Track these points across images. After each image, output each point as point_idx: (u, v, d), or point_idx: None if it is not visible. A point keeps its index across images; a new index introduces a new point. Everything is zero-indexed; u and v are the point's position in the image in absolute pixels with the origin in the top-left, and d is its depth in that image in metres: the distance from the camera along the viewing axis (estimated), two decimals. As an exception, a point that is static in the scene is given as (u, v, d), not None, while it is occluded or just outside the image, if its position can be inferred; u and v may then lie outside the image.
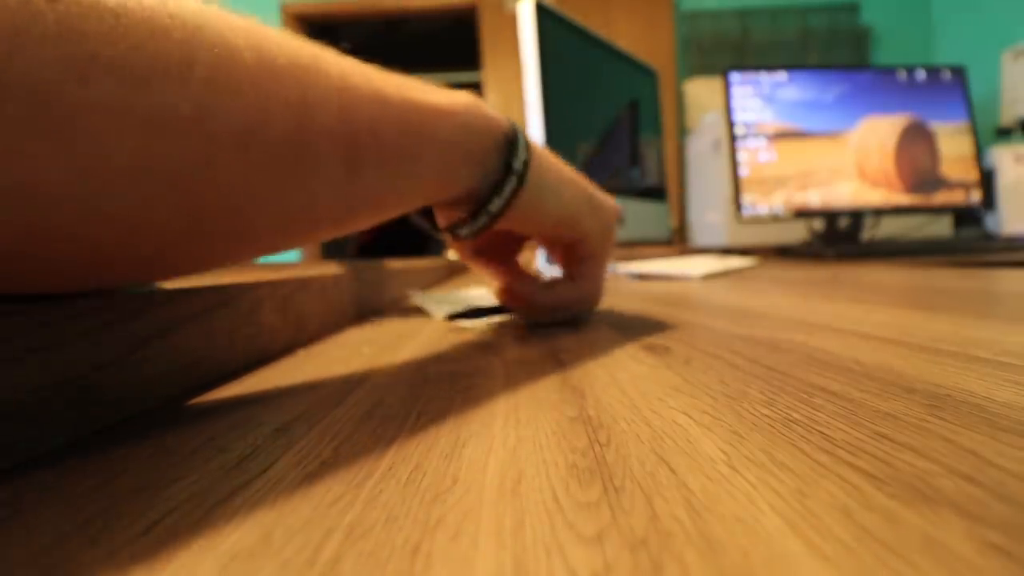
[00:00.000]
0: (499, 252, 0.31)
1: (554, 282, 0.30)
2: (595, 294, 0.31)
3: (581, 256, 0.29)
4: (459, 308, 0.33)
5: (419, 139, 0.19)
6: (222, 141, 0.13)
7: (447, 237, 0.26)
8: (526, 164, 0.23)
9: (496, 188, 0.23)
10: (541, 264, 0.82)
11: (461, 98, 0.21)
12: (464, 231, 0.24)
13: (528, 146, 0.24)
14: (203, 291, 0.19)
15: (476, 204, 0.23)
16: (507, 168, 0.23)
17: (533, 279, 0.31)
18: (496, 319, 0.32)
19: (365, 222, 0.20)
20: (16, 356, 0.12)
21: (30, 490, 0.10)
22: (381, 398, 0.16)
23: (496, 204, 0.23)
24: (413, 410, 0.15)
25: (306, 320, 0.28)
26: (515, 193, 0.23)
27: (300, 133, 0.15)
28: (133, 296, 0.16)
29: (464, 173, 0.22)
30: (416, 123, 0.19)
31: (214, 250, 0.16)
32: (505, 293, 0.29)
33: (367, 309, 0.39)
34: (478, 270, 0.31)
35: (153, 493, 0.10)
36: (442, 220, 0.25)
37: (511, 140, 0.23)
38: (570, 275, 0.30)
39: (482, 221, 0.23)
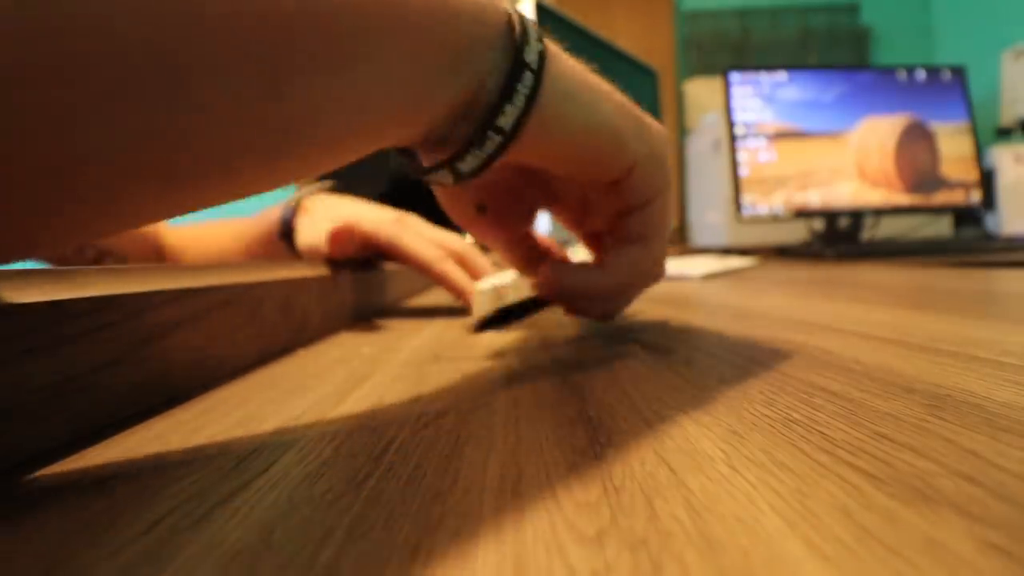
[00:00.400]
0: (509, 212, 0.23)
1: (596, 262, 0.22)
2: (655, 267, 0.22)
3: (630, 204, 0.21)
4: (487, 311, 0.28)
5: (376, 27, 0.13)
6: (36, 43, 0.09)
7: (441, 180, 0.18)
8: (542, 56, 0.16)
9: (506, 92, 0.16)
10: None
11: None
12: (466, 163, 0.17)
13: (541, 37, 0.17)
14: (203, 291, 0.19)
15: (477, 121, 0.16)
16: (517, 63, 0.16)
17: (559, 252, 0.25)
18: (528, 317, 0.28)
19: (306, 165, 0.14)
20: (16, 356, 0.12)
21: (30, 490, 0.10)
22: (381, 398, 0.16)
23: (510, 114, 0.16)
24: (413, 410, 0.15)
25: (306, 320, 0.28)
26: (533, 98, 0.16)
27: (179, 29, 0.10)
28: (133, 296, 0.16)
29: (448, 77, 0.15)
30: (369, 4, 0.13)
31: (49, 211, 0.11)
32: (535, 274, 0.22)
33: (368, 309, 0.39)
34: (482, 237, 0.24)
35: (153, 493, 0.10)
36: (428, 158, 0.18)
37: (516, 27, 0.16)
38: (619, 242, 0.22)
39: (492, 144, 0.16)
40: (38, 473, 0.11)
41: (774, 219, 0.99)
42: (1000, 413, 0.12)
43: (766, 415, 0.13)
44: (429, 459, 0.11)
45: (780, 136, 0.99)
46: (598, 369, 0.19)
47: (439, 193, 0.22)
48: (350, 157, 0.15)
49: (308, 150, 0.14)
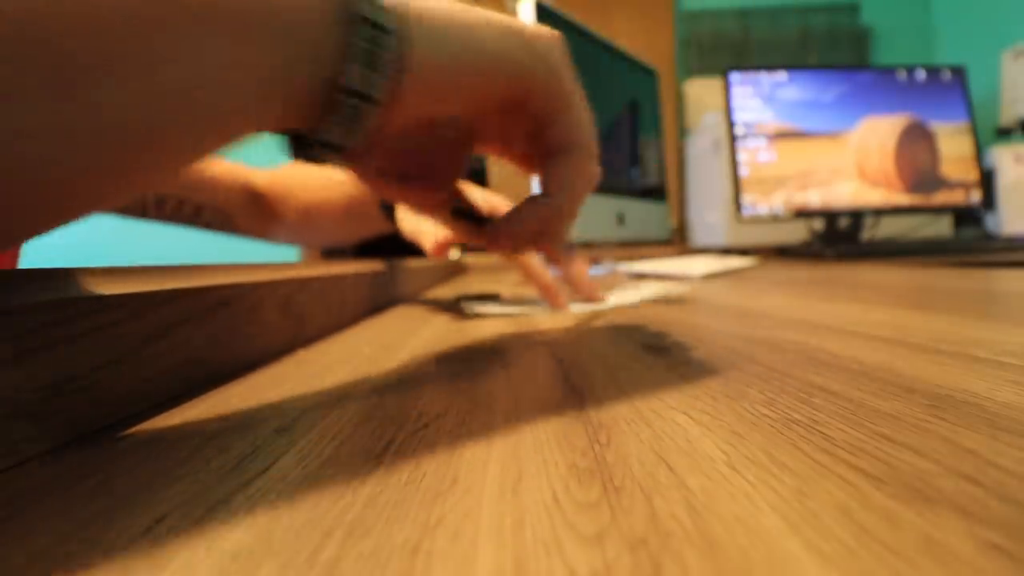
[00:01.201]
0: (432, 172, 0.22)
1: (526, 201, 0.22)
2: (589, 170, 0.21)
3: (542, 120, 0.20)
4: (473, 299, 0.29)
5: (184, 26, 0.12)
6: None
7: (324, 158, 0.17)
8: (401, 17, 0.16)
9: (368, 58, 0.15)
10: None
11: None
12: (341, 134, 0.16)
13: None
14: (203, 291, 0.19)
15: (343, 93, 0.15)
16: (372, 25, 0.15)
17: (499, 206, 0.25)
18: (515, 309, 0.29)
19: (128, 181, 0.14)
20: (16, 356, 0.12)
21: (30, 490, 0.10)
22: (381, 398, 0.16)
23: (377, 82, 0.15)
24: (413, 410, 0.15)
25: (306, 320, 0.28)
26: (401, 58, 0.15)
27: None
28: (133, 296, 0.16)
29: (284, 63, 0.14)
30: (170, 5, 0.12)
31: None
32: (481, 238, 0.22)
33: (368, 309, 0.39)
34: (416, 207, 0.23)
35: (153, 493, 0.10)
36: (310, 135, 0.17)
37: None
38: (548, 159, 0.21)
39: (365, 113, 0.16)
40: (38, 473, 0.11)
41: (774, 219, 0.99)
42: (1000, 413, 0.12)
43: (766, 415, 0.13)
44: (429, 459, 0.11)
45: (780, 136, 0.99)
46: (598, 369, 0.19)
47: (354, 173, 0.21)
48: (202, 150, 0.15)
49: (137, 153, 0.13)
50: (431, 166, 0.22)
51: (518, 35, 0.19)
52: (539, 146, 0.21)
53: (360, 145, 0.17)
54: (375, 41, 0.15)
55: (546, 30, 0.20)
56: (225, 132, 0.15)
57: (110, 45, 0.11)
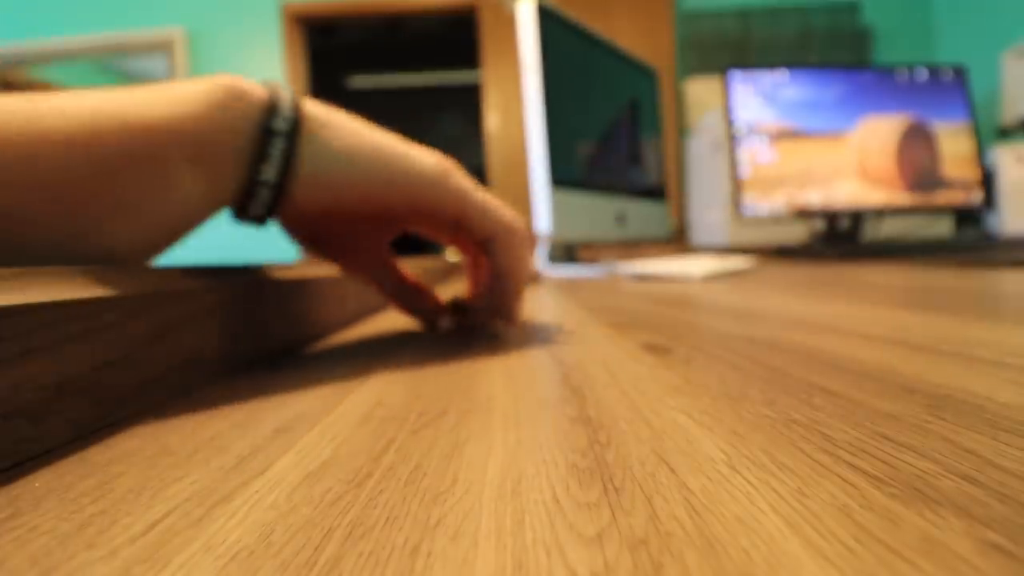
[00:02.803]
0: (359, 246, 0.27)
1: (478, 278, 0.28)
2: (517, 260, 0.26)
3: (456, 222, 0.25)
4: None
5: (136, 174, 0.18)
6: None
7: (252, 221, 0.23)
8: (296, 125, 0.21)
9: (262, 156, 0.21)
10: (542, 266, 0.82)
11: (202, 89, 0.19)
12: (255, 210, 0.22)
13: (298, 107, 0.21)
14: (203, 291, 0.19)
15: (249, 182, 0.21)
16: (267, 133, 0.20)
17: (425, 287, 0.29)
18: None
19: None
20: (16, 356, 0.12)
21: (30, 490, 0.10)
22: (381, 398, 0.16)
23: (269, 172, 0.21)
24: (413, 410, 0.15)
25: (306, 320, 0.28)
26: (288, 158, 0.21)
27: None
28: (133, 296, 0.16)
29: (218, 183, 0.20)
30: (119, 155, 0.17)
31: None
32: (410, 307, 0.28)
33: (368, 309, 0.39)
34: (349, 270, 0.28)
35: (153, 493, 0.10)
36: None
37: (272, 104, 0.21)
38: (486, 259, 0.27)
39: (263, 195, 0.21)
40: (38, 473, 0.11)
41: (774, 219, 0.99)
42: (1001, 413, 0.12)
43: (766, 415, 0.13)
44: (429, 459, 0.11)
45: (780, 136, 0.99)
46: (598, 369, 0.19)
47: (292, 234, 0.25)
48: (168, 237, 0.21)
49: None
50: (355, 242, 0.26)
51: (404, 161, 0.23)
52: (468, 235, 0.26)
53: (275, 216, 0.22)
54: (287, 152, 0.21)
55: (432, 157, 0.25)
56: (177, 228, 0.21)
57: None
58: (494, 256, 0.26)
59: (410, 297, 0.29)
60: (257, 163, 0.21)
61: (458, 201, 0.24)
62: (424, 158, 0.24)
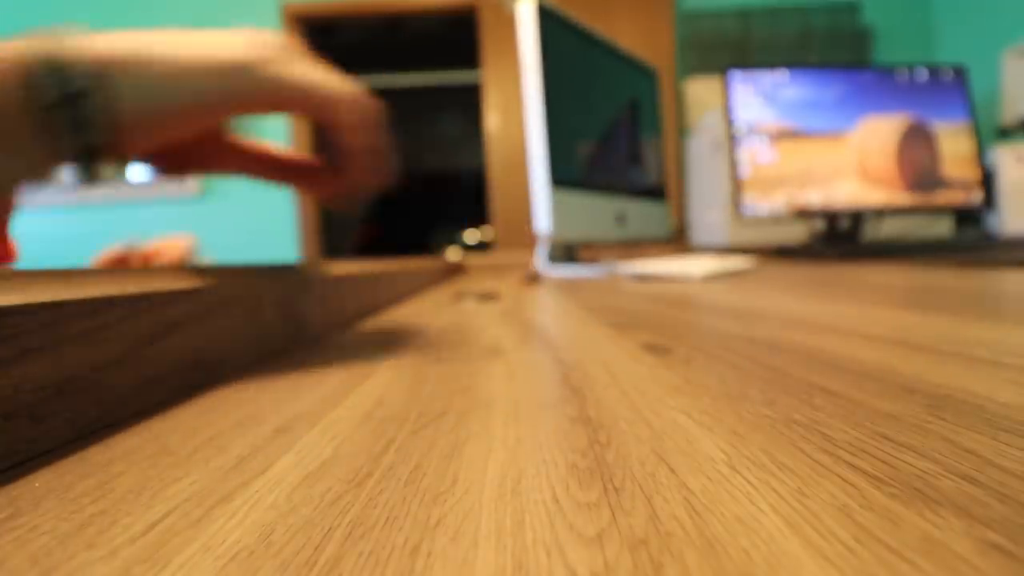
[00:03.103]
0: (212, 151, 0.26)
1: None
2: (357, 98, 0.25)
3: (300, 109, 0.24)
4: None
5: None
6: None
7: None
8: (92, 77, 0.20)
9: (57, 121, 0.20)
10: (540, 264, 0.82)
11: None
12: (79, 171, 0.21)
13: (87, 59, 0.20)
14: (203, 291, 0.19)
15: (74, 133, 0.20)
16: (62, 96, 0.19)
17: (300, 158, 0.28)
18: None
19: None
20: (16, 356, 0.12)
21: (30, 490, 0.10)
22: (381, 398, 0.16)
23: (72, 139, 0.20)
24: (413, 410, 0.15)
25: (306, 320, 0.28)
26: (98, 112, 0.20)
27: None
28: (133, 296, 0.16)
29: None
30: None
31: None
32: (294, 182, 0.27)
33: (367, 309, 0.39)
34: (186, 175, 0.27)
35: (153, 493, 0.10)
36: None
37: (39, 72, 0.19)
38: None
39: (81, 158, 0.20)
40: (38, 473, 0.11)
41: (774, 219, 0.99)
42: (1000, 413, 0.12)
43: (766, 415, 0.13)
44: (429, 459, 0.11)
45: (780, 136, 0.99)
46: (598, 369, 0.19)
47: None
48: None
49: None
50: (199, 152, 0.26)
51: (218, 69, 0.22)
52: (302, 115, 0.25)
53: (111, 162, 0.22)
54: (92, 111, 0.20)
55: (240, 48, 0.23)
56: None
57: None
58: (335, 135, 0.25)
59: (294, 173, 0.28)
60: (57, 131, 0.20)
61: (274, 90, 0.23)
62: (234, 53, 0.23)
